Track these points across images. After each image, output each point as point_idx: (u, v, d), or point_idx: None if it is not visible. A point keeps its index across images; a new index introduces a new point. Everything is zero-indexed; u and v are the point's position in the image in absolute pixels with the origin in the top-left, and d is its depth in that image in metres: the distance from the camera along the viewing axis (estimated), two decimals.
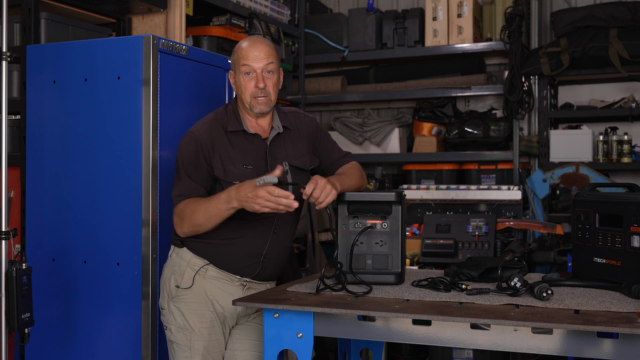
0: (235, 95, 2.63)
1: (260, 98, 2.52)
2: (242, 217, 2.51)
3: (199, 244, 2.55)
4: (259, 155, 2.56)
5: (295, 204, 2.33)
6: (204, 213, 2.44)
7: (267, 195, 2.30)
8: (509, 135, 4.88)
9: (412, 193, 4.33)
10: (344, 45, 5.34)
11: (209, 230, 2.48)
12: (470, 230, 3.89)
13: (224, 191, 2.42)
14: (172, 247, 2.63)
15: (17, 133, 3.09)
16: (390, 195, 2.50)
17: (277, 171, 2.34)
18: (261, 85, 2.51)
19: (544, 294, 2.15)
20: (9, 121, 2.80)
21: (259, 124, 2.59)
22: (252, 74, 2.52)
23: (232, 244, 2.53)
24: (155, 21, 3.69)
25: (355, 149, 5.14)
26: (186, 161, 2.52)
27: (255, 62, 2.51)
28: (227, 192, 2.40)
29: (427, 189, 4.34)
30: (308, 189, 2.37)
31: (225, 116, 2.58)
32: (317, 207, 2.42)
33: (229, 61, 3.29)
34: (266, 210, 2.33)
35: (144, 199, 2.79)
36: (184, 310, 2.54)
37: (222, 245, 2.53)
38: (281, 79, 2.61)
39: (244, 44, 2.56)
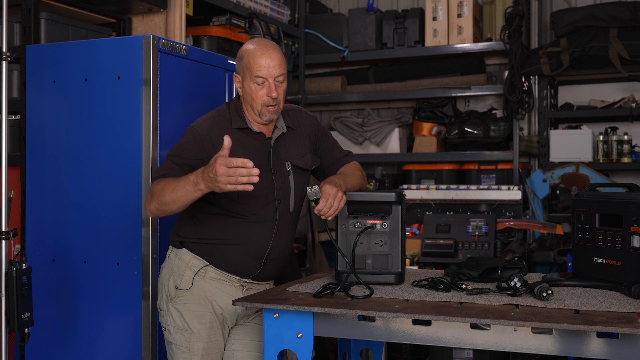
0: (237, 95, 2.61)
1: (271, 107, 2.51)
2: (244, 218, 2.50)
3: (199, 245, 2.54)
4: (262, 154, 2.55)
5: (256, 178, 2.19)
6: (172, 193, 2.34)
7: (226, 169, 2.19)
8: (509, 135, 4.88)
9: (412, 193, 4.33)
10: (344, 45, 5.34)
11: (174, 212, 2.39)
12: (470, 230, 3.89)
13: (193, 172, 2.32)
14: (171, 247, 2.62)
15: (17, 133, 3.09)
16: (390, 195, 2.50)
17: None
18: (274, 95, 2.48)
19: (544, 294, 2.15)
20: (9, 121, 2.80)
21: (263, 124, 2.58)
22: (264, 82, 2.49)
23: (235, 246, 2.52)
24: (155, 21, 3.69)
25: (355, 149, 5.14)
26: (179, 151, 2.48)
27: (269, 71, 2.47)
28: (195, 174, 2.30)
29: (427, 189, 4.34)
30: (321, 206, 2.37)
31: (228, 114, 2.56)
32: (329, 218, 2.41)
33: (230, 61, 3.31)
34: (230, 187, 2.21)
35: (144, 199, 2.79)
36: (183, 311, 2.53)
37: (224, 247, 2.52)
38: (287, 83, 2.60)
39: (256, 51, 2.49)
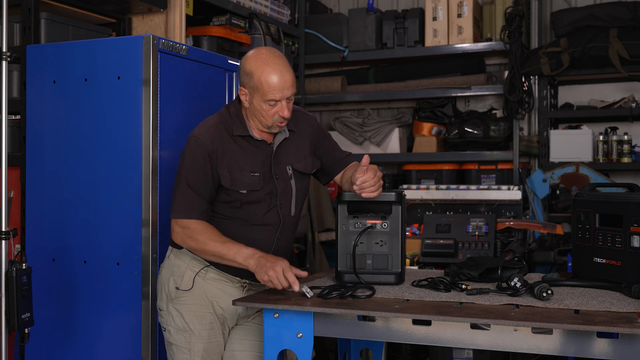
0: (237, 99, 2.58)
1: (282, 122, 2.49)
2: (246, 223, 2.50)
3: None
4: (265, 161, 2.53)
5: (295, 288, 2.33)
6: (217, 252, 2.42)
7: (280, 275, 2.31)
8: (509, 135, 4.88)
9: (412, 193, 4.32)
10: (344, 45, 5.34)
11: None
12: (470, 230, 3.89)
13: (250, 249, 2.40)
14: (170, 248, 2.61)
15: (17, 133, 3.09)
16: (390, 195, 2.49)
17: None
18: (286, 114, 2.44)
19: (544, 294, 2.15)
20: (9, 121, 2.80)
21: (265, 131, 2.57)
22: (276, 103, 2.44)
23: None
24: (155, 21, 3.69)
25: (355, 149, 5.14)
26: (191, 169, 2.45)
27: (282, 94, 2.42)
28: (251, 255, 2.38)
29: (427, 189, 4.34)
30: (369, 176, 2.36)
31: (229, 119, 2.52)
32: (364, 195, 2.38)
33: (230, 61, 3.31)
34: (269, 284, 2.34)
35: (144, 199, 2.79)
36: (183, 312, 2.53)
37: None
38: None
39: (269, 73, 2.40)
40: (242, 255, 2.39)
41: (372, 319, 2.18)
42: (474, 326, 2.07)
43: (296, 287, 2.30)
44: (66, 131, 2.93)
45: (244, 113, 2.54)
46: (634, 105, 4.57)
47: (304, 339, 2.22)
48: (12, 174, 2.97)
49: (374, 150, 5.18)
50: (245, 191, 2.48)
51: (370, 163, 2.44)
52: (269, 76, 2.41)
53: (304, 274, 2.37)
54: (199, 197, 2.45)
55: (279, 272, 2.31)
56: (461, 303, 2.17)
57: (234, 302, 2.29)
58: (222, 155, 2.47)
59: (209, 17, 4.16)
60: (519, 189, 4.16)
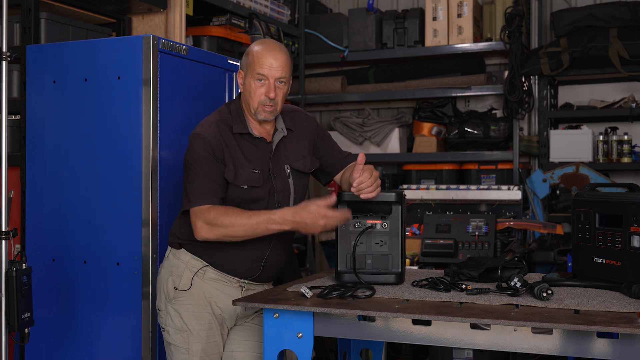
0: (238, 95, 2.60)
1: (267, 106, 2.49)
2: None
3: (199, 246, 2.52)
4: (264, 159, 2.54)
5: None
6: (247, 228, 2.39)
7: (326, 222, 2.34)
8: (509, 135, 4.88)
9: (412, 193, 4.32)
10: (344, 45, 5.34)
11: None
12: (470, 230, 3.89)
13: (275, 212, 2.39)
14: (169, 248, 2.61)
15: (17, 133, 3.09)
16: (390, 195, 2.49)
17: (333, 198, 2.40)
18: (272, 95, 2.47)
19: (544, 294, 2.15)
20: (9, 121, 2.80)
21: (263, 127, 2.57)
22: (264, 81, 2.47)
23: (235, 249, 2.50)
24: (155, 21, 3.69)
25: (355, 149, 5.14)
26: (201, 161, 2.45)
27: (271, 71, 2.46)
28: (281, 214, 2.38)
29: (427, 189, 4.34)
30: (365, 177, 2.38)
31: (229, 116, 2.54)
32: (363, 197, 2.40)
33: (230, 61, 3.31)
34: (327, 228, 2.37)
35: (144, 199, 2.79)
36: (182, 312, 2.53)
37: (224, 249, 2.51)
38: (289, 88, 2.59)
39: (261, 48, 2.49)
40: (275, 225, 2.39)
41: (372, 319, 2.18)
42: (474, 326, 2.07)
43: (349, 215, 2.40)
44: (66, 131, 2.93)
45: (244, 108, 2.55)
46: (634, 105, 4.57)
47: (304, 339, 2.22)
48: (12, 174, 2.97)
49: (374, 150, 5.18)
50: (246, 186, 2.48)
51: (371, 163, 2.45)
52: (261, 52, 2.48)
53: (333, 200, 2.38)
54: (215, 184, 2.45)
55: (324, 222, 2.35)
56: (461, 303, 2.17)
57: (234, 302, 2.29)
58: (225, 150, 2.47)
59: (209, 17, 4.16)
60: (519, 189, 4.16)
